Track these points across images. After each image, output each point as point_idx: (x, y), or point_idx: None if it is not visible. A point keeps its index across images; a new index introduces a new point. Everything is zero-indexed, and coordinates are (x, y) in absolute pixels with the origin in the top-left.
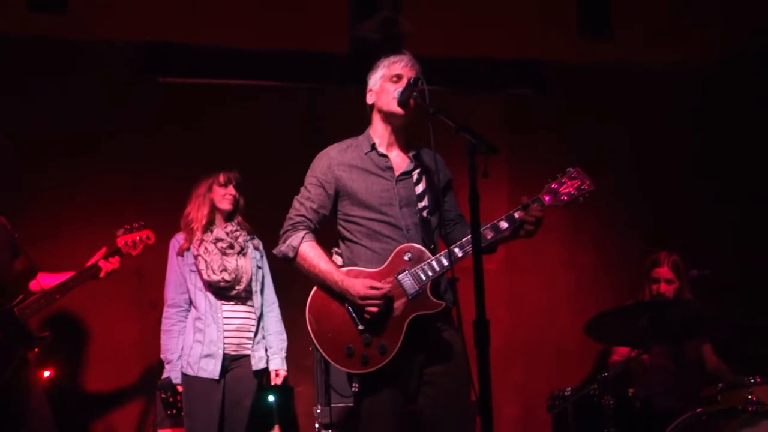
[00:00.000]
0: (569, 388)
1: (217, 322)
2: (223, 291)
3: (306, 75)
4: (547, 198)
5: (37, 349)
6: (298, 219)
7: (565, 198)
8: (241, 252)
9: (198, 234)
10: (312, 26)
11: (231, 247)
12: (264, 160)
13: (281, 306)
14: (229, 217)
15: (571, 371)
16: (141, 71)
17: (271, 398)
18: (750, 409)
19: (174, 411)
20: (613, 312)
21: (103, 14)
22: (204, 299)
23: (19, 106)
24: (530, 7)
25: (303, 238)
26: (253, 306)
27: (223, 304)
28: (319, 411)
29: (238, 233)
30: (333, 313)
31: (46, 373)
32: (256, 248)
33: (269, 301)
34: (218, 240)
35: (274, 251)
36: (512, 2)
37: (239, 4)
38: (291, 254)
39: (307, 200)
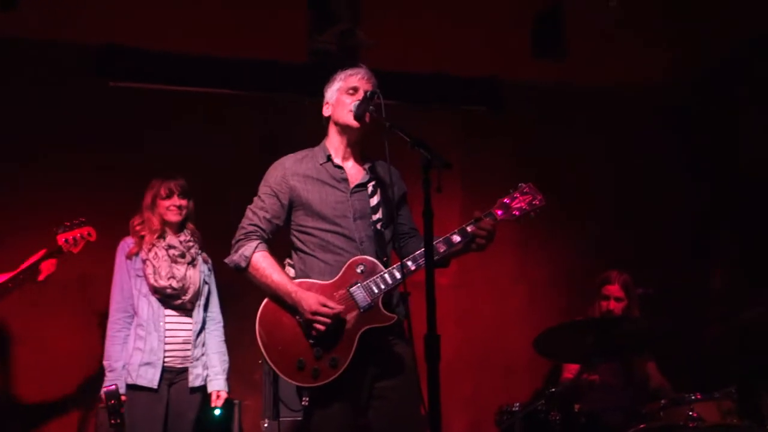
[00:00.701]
0: (517, 403)
1: (158, 331)
2: (168, 299)
3: (262, 84)
4: (499, 212)
5: None
6: (251, 228)
7: (517, 213)
8: (192, 263)
9: (148, 238)
10: (270, 36)
11: (182, 256)
12: (217, 169)
13: (231, 318)
14: (180, 226)
15: (521, 386)
16: (92, 74)
17: (217, 412)
18: (691, 425)
19: (118, 420)
20: (560, 328)
21: (55, 13)
22: (147, 306)
23: None
24: (487, 25)
25: (256, 248)
26: (196, 315)
27: (165, 313)
28: (266, 425)
29: (191, 243)
30: (284, 325)
31: None
32: (205, 261)
33: (214, 318)
34: (171, 247)
35: (226, 260)
36: (470, 20)
37: (197, 10)
38: (243, 264)
39: (260, 210)
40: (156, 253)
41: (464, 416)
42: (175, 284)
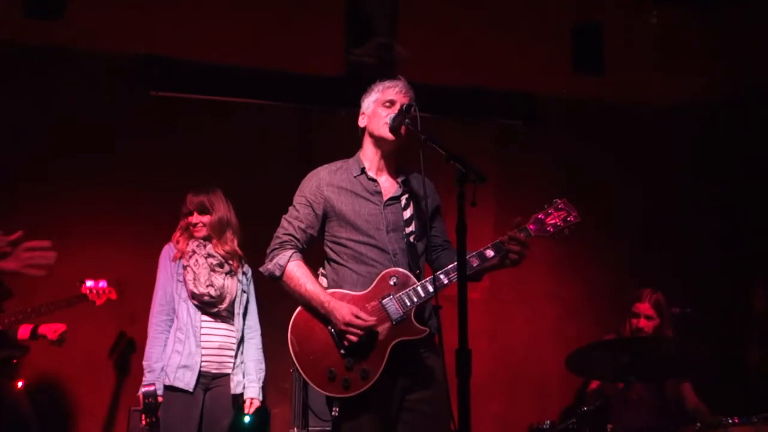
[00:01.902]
0: (548, 421)
1: (195, 336)
2: (205, 305)
3: (299, 96)
4: (533, 228)
5: (15, 360)
6: (286, 238)
7: (551, 229)
8: (230, 273)
9: (182, 245)
10: (307, 48)
11: (221, 265)
12: (254, 179)
13: (264, 326)
14: (219, 235)
15: (552, 404)
16: (134, 84)
17: (247, 419)
18: None
19: (153, 419)
20: (593, 347)
21: (99, 24)
22: (186, 311)
23: (10, 111)
24: (525, 39)
25: (290, 257)
26: (233, 326)
27: (202, 318)
28: None
29: (230, 256)
30: (316, 335)
31: (19, 384)
32: (244, 273)
33: (252, 327)
34: (210, 256)
35: (261, 269)
36: (508, 34)
37: (237, 22)
38: (278, 273)
39: (295, 219)
40: (197, 260)
41: None
42: (213, 292)
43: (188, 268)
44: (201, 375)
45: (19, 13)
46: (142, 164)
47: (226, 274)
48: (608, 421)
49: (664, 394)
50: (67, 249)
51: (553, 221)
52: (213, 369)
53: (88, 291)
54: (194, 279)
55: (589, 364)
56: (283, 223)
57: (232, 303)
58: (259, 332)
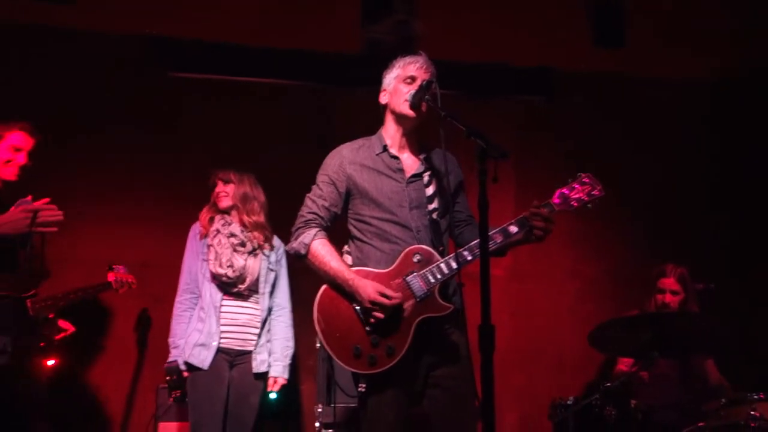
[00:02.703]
0: (572, 397)
1: (216, 315)
2: (225, 285)
3: (317, 75)
4: (557, 202)
5: (42, 344)
6: (310, 216)
7: (575, 204)
8: (253, 252)
9: (216, 224)
10: (325, 26)
11: (242, 245)
12: (274, 158)
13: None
14: (243, 205)
15: (573, 380)
16: (152, 65)
17: (273, 396)
18: (752, 425)
19: (178, 393)
20: (617, 322)
21: (113, 6)
22: (208, 290)
23: (24, 95)
24: (544, 14)
25: (315, 235)
26: (258, 304)
27: (224, 298)
28: (320, 410)
29: (252, 235)
30: (341, 312)
31: (50, 362)
32: (273, 249)
33: (280, 305)
34: (232, 235)
35: (286, 248)
36: (526, 9)
37: (253, 2)
38: (303, 251)
39: (318, 198)
40: (220, 240)
41: (516, 408)
42: (231, 273)
43: (211, 248)
44: (224, 351)
45: None
46: (161, 146)
47: (249, 253)
48: (632, 397)
49: (687, 370)
50: (90, 229)
51: (577, 195)
52: (236, 346)
53: (113, 279)
54: (215, 258)
55: (613, 340)
56: (307, 201)
57: (256, 282)
58: (288, 309)
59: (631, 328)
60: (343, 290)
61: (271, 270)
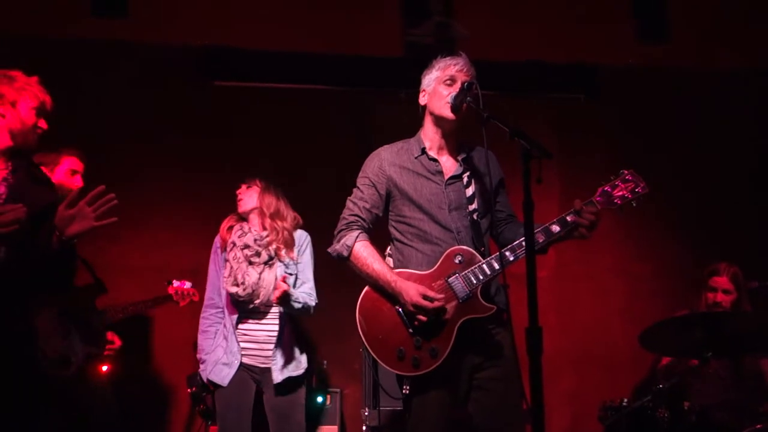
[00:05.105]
0: (625, 399)
1: (235, 333)
2: (240, 303)
3: (358, 79)
4: (600, 200)
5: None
6: (352, 219)
7: (619, 201)
8: (268, 262)
9: (233, 235)
10: (365, 31)
11: (257, 255)
12: (317, 163)
13: (331, 308)
14: (263, 205)
15: (623, 381)
16: (197, 75)
17: (319, 399)
18: None
19: (203, 407)
20: (669, 322)
21: (161, 19)
22: (227, 307)
23: (80, 107)
24: (584, 10)
25: (357, 237)
26: (277, 319)
27: (241, 316)
28: (366, 413)
29: (268, 241)
30: (384, 314)
31: (104, 368)
32: (291, 250)
33: (303, 279)
34: (246, 247)
35: (329, 250)
36: (566, 6)
37: (293, 9)
38: (345, 253)
39: (360, 200)
40: (235, 254)
41: (566, 411)
42: (241, 292)
43: (227, 263)
44: (247, 368)
45: (86, 12)
46: (207, 154)
47: (264, 263)
48: (684, 398)
49: (741, 369)
50: (140, 239)
51: (620, 193)
52: (259, 363)
53: (174, 292)
54: (229, 275)
55: (665, 340)
56: (349, 204)
57: (268, 296)
58: (313, 297)
59: (683, 329)
60: (385, 292)
61: (289, 275)
